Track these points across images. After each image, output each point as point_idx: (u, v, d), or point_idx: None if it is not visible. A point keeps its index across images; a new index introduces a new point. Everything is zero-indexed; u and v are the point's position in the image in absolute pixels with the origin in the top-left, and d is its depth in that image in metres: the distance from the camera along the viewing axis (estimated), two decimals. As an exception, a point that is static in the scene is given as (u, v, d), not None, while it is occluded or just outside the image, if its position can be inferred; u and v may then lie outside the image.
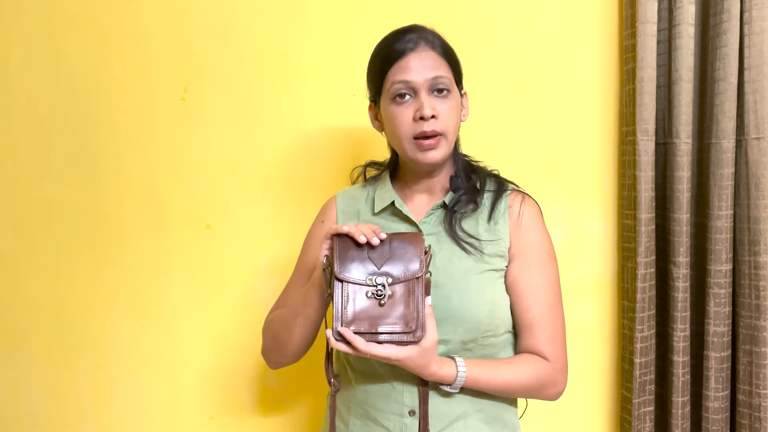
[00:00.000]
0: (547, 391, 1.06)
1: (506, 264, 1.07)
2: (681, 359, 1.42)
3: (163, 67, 1.50)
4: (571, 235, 1.54)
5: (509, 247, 1.07)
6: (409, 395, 1.02)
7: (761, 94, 1.38)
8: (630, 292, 1.46)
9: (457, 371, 0.98)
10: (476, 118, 1.41)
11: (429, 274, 0.97)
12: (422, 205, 1.11)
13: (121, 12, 1.49)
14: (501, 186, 1.12)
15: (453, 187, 1.09)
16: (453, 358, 1.00)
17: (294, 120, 1.51)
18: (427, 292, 0.94)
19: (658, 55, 1.42)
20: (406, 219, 1.08)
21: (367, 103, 1.13)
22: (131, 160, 1.52)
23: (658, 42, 1.41)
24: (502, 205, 1.09)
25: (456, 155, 1.12)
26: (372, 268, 0.92)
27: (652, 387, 1.46)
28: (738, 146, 1.41)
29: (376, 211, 1.10)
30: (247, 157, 1.51)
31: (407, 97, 1.02)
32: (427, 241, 1.04)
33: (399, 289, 0.92)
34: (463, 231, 1.05)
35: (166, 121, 1.50)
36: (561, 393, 1.08)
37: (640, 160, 1.41)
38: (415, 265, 0.93)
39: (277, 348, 1.11)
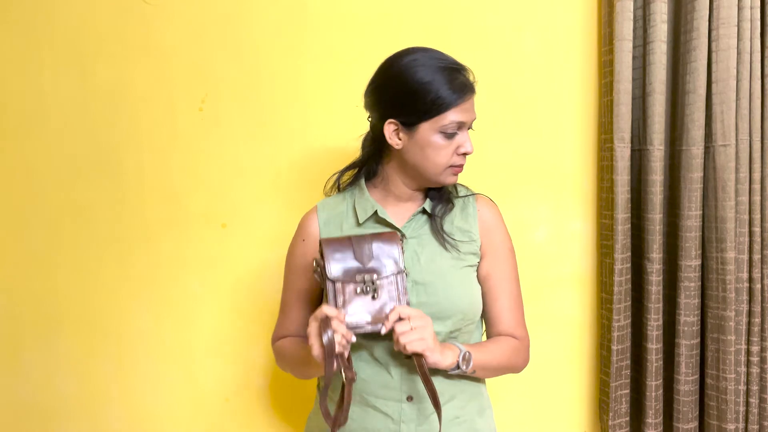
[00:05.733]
0: (520, 365, 1.11)
1: (478, 260, 1.09)
2: (654, 346, 1.42)
3: (182, 80, 1.50)
4: (554, 234, 1.54)
5: (480, 246, 1.09)
6: (407, 382, 1.02)
7: (727, 105, 1.37)
8: (608, 286, 1.46)
9: (460, 348, 1.00)
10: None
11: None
12: (402, 210, 1.09)
13: (144, 31, 1.48)
14: (467, 192, 1.14)
15: (431, 195, 1.10)
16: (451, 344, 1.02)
17: (301, 128, 1.50)
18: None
19: (634, 69, 1.41)
20: (390, 226, 1.07)
21: (362, 113, 1.10)
22: (153, 164, 1.52)
23: (634, 57, 1.41)
24: (471, 208, 1.11)
25: None
26: (359, 267, 0.95)
27: (628, 372, 1.46)
28: (706, 152, 1.41)
29: (360, 221, 1.07)
30: (259, 162, 1.50)
31: (457, 133, 1.02)
32: (410, 243, 1.06)
33: (384, 282, 0.95)
34: (445, 233, 1.07)
35: (185, 130, 1.50)
36: (526, 366, 1.13)
37: (617, 165, 1.40)
38: (395, 262, 0.96)
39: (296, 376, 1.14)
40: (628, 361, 1.46)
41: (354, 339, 0.93)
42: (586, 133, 1.52)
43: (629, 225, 1.43)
